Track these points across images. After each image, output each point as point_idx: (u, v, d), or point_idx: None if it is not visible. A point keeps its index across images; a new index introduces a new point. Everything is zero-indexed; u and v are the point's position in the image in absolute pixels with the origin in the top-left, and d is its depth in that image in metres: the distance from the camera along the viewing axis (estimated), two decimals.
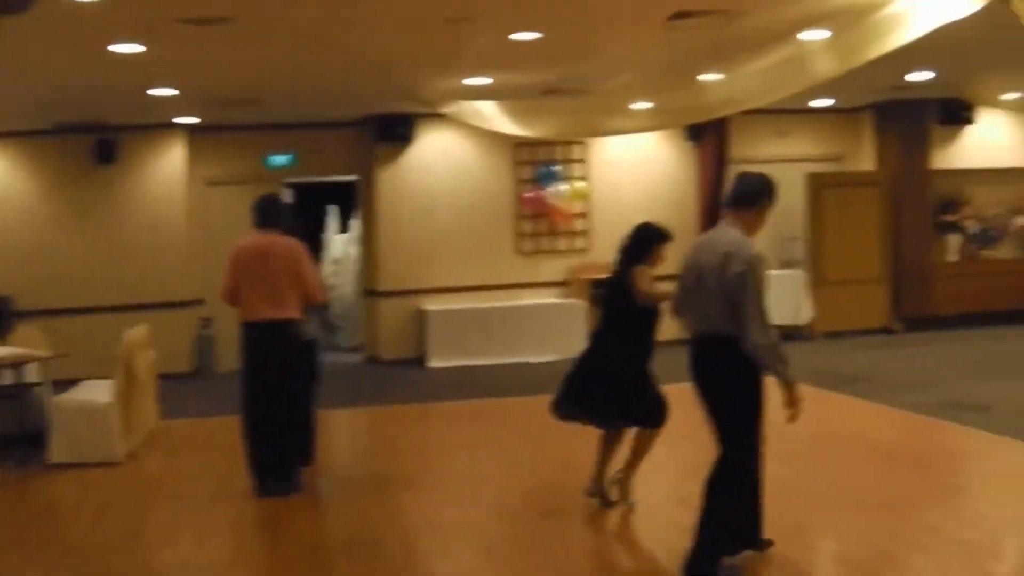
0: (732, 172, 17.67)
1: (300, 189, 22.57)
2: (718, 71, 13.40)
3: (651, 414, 8.03)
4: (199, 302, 16.99)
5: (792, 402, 6.15)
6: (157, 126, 16.78)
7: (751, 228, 6.39)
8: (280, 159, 17.77)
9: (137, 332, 11.21)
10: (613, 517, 7.95)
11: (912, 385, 13.13)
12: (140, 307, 16.04)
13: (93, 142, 16.74)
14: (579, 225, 18.23)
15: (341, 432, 12.09)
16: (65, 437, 10.19)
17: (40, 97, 13.87)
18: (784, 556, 6.61)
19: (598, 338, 8.25)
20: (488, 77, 13.53)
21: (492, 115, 15.65)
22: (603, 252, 17.74)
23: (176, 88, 13.56)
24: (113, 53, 10.73)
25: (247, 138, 17.52)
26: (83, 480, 9.72)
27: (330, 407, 11.46)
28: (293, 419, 9.06)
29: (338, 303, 21.40)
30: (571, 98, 15.00)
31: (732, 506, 6.34)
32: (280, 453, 8.93)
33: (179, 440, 11.83)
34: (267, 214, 9.18)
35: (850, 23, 10.19)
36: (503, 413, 12.98)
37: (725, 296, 6.16)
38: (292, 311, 8.93)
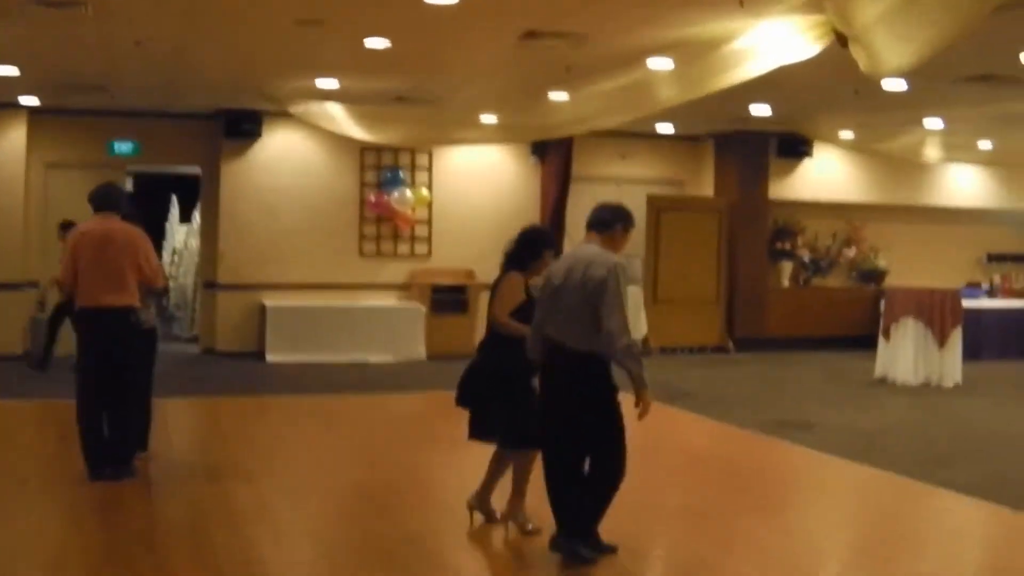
0: (574, 189, 18.25)
1: (143, 178, 22.41)
2: (566, 91, 13.69)
3: (521, 434, 7.30)
4: (34, 284, 16.72)
5: (642, 401, 6.56)
6: None
7: (608, 249, 6.85)
8: (124, 146, 17.55)
9: None
10: (444, 514, 8.11)
11: (742, 402, 13.61)
12: None
13: None
14: (421, 231, 18.43)
15: (176, 421, 12.00)
16: None
17: None
18: (611, 562, 6.83)
19: (483, 347, 7.61)
20: (337, 80, 13.64)
21: (340, 118, 15.76)
22: (444, 258, 18.13)
23: (18, 68, 13.37)
24: None
25: (91, 123, 17.30)
26: None
27: (165, 396, 11.42)
28: (130, 405, 9.03)
29: (176, 293, 21.26)
30: (419, 107, 15.18)
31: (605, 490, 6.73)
32: (116, 439, 8.91)
33: (10, 422, 11.71)
34: (105, 200, 9.08)
35: (695, 55, 10.56)
36: (339, 410, 13.11)
37: (587, 305, 6.55)
38: (131, 298, 8.90)
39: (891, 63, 7.30)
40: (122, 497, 8.41)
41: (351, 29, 10.73)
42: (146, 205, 23.08)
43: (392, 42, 11.18)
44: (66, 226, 14.98)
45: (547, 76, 12.77)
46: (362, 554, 7.16)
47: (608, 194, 19.35)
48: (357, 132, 16.18)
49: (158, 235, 21.99)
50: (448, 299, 17.90)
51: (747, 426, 11.84)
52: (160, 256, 21.26)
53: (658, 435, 10.40)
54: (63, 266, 8.97)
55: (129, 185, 23.38)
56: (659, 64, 11.31)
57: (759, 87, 12.26)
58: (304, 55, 12.12)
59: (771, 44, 9.51)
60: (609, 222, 6.95)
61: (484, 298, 17.47)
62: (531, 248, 7.47)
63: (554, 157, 18.51)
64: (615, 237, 6.95)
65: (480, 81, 13.38)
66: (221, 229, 17.73)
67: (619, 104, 12.91)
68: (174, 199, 22.37)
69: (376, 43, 11.23)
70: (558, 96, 14.00)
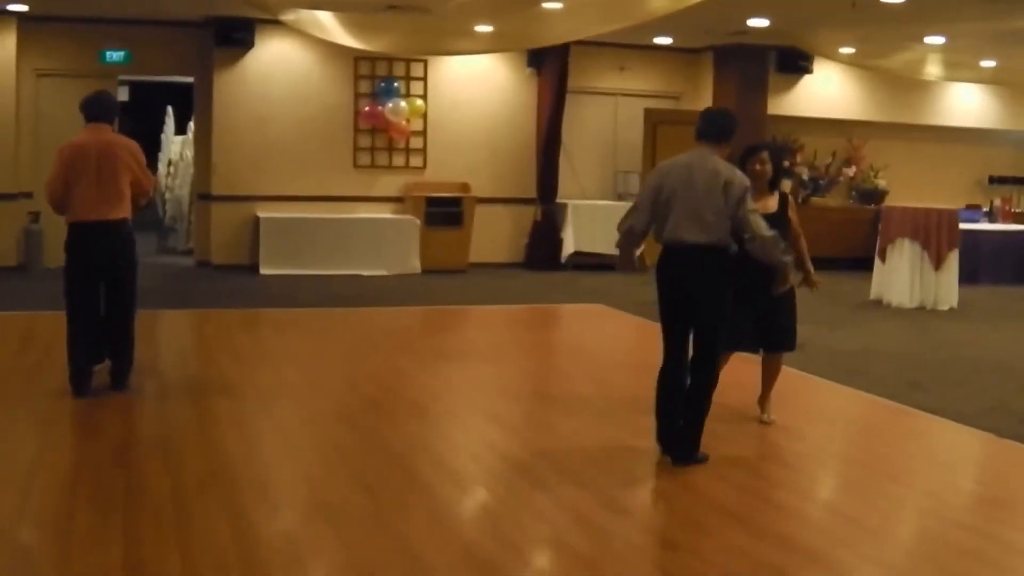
0: (570, 101, 18.09)
1: (138, 87, 22.20)
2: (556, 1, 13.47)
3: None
4: (27, 195, 16.59)
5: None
6: None
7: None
8: (116, 55, 17.32)
9: None
10: (419, 428, 8.06)
11: None
12: None
13: None
14: (416, 143, 18.25)
15: (164, 334, 11.95)
16: None
17: None
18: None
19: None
20: None
21: (331, 26, 15.49)
22: (439, 171, 18.00)
23: None
24: None
25: (82, 30, 17.06)
26: None
27: (156, 308, 11.31)
28: (130, 317, 8.93)
29: (172, 205, 21.12)
30: (412, 14, 14.90)
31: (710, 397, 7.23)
32: (118, 353, 8.83)
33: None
34: (97, 109, 8.84)
35: None
36: (329, 323, 13.00)
37: (727, 212, 6.91)
38: (127, 210, 8.75)
39: None
40: (101, 412, 8.32)
41: None
42: (142, 115, 23.02)
43: None
44: None
45: None
46: (334, 469, 7.10)
47: (606, 107, 19.33)
48: (348, 40, 15.93)
49: (154, 146, 21.85)
50: (443, 212, 17.76)
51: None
52: (155, 168, 21.32)
53: (642, 353, 10.24)
54: (51, 181, 8.68)
55: (125, 95, 23.21)
56: None
57: None
58: None
59: None
60: (730, 132, 7.29)
61: (480, 211, 17.66)
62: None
63: (550, 68, 18.29)
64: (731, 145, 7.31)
65: None
66: (215, 140, 17.55)
67: (612, 11, 12.69)
68: (170, 110, 22.13)
69: None
70: (551, 5, 13.77)
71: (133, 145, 8.89)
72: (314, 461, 7.34)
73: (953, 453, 8.23)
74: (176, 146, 21.61)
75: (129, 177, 8.72)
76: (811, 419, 9.05)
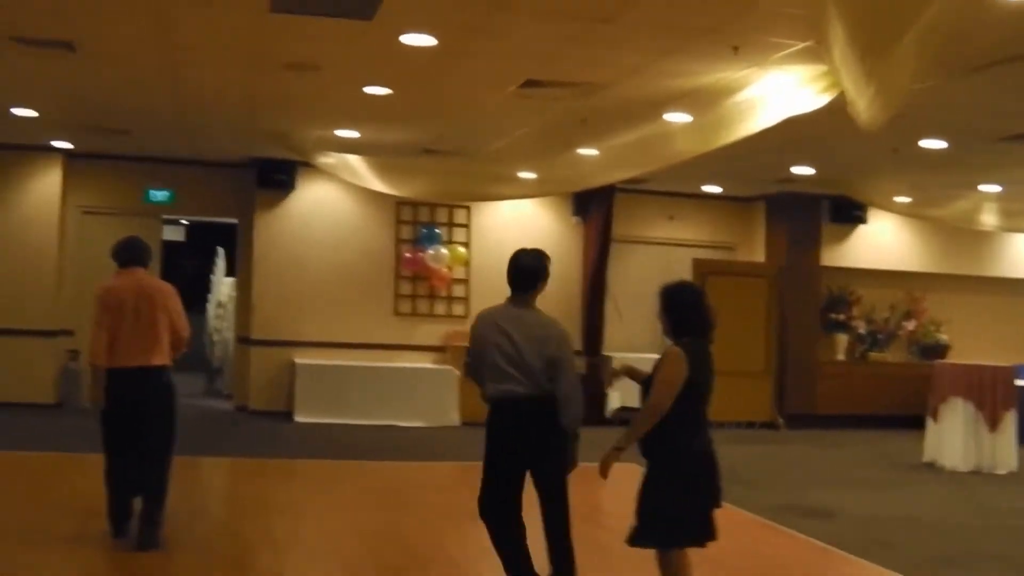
0: (618, 250, 17.68)
1: (194, 228, 22.22)
2: (591, 146, 13.24)
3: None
4: (67, 333, 16.46)
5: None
6: (31, 148, 16.26)
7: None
8: (160, 194, 17.27)
9: None
10: None
11: (766, 483, 12.64)
12: (2, 332, 15.60)
13: None
14: (458, 291, 17.88)
15: (197, 481, 11.54)
16: None
17: None
18: None
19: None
20: (354, 130, 13.19)
21: (361, 171, 15.26)
22: None
23: (35, 110, 13.21)
24: None
25: (126, 168, 17.07)
26: None
27: (188, 454, 10.92)
28: (159, 466, 8.46)
29: (220, 348, 20.92)
30: (446, 159, 14.73)
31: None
32: (151, 504, 8.33)
33: (42, 475, 11.34)
34: (130, 254, 8.57)
35: (704, 106, 10.09)
36: (363, 476, 12.48)
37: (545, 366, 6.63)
38: (163, 357, 8.36)
39: (861, 110, 6.62)
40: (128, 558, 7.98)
41: (347, 75, 10.40)
42: (198, 255, 23.06)
43: (392, 89, 10.82)
44: None
45: (565, 129, 12.29)
46: None
47: (653, 256, 18.85)
48: (380, 186, 15.65)
49: (205, 287, 21.80)
50: None
51: (758, 510, 10.79)
52: (205, 309, 21.20)
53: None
54: (96, 330, 8.23)
55: (181, 235, 23.25)
56: (674, 116, 10.86)
57: (796, 145, 11.68)
58: (305, 100, 11.79)
59: (779, 95, 8.95)
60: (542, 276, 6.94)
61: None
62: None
63: (595, 216, 17.91)
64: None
65: (501, 133, 12.88)
66: (254, 283, 17.32)
67: (641, 156, 12.41)
68: (220, 251, 22.05)
69: (377, 90, 10.92)
70: (587, 151, 13.51)
71: (169, 289, 8.59)
72: None
73: None
74: (226, 287, 21.46)
75: (167, 321, 8.38)
76: None
